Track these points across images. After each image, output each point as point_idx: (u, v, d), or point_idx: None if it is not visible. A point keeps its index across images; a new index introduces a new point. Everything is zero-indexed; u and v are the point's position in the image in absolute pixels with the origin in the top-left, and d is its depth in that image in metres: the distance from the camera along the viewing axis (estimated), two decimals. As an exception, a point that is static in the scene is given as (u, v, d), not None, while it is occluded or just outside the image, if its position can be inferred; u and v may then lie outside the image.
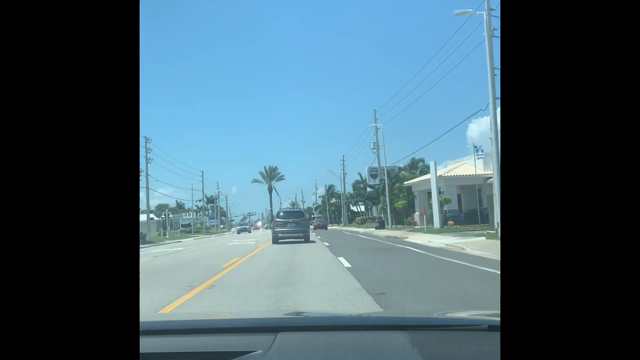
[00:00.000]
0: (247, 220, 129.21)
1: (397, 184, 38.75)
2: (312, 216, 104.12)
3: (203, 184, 64.01)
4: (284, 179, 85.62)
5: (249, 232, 53.20)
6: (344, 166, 61.76)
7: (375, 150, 39.90)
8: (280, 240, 20.01)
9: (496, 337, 1.08)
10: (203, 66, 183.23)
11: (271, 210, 73.68)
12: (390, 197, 36.34)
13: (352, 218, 66.97)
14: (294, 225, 20.31)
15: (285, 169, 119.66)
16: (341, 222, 79.37)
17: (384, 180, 37.77)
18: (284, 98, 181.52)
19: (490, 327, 1.29)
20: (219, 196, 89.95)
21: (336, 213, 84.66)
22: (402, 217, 38.34)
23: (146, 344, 1.04)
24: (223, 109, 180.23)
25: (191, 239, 43.69)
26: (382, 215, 39.68)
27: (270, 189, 80.00)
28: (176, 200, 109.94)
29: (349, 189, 64.03)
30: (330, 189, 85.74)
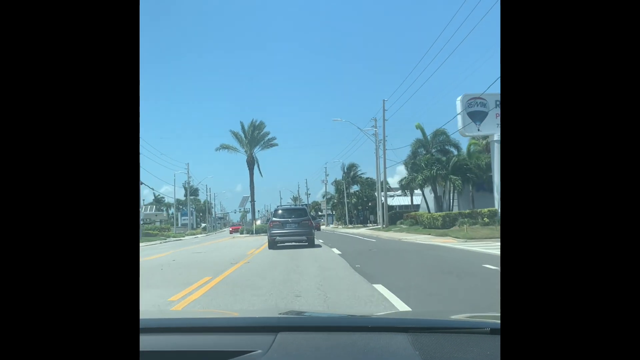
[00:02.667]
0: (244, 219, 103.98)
1: None
2: (320, 213, 76.82)
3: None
4: (275, 144, 42.91)
5: None
6: (384, 120, 33.50)
7: None
8: (278, 245, 15.79)
9: (498, 340, 1.18)
10: None
11: (252, 200, 41.05)
12: None
13: (398, 215, 38.47)
14: (294, 226, 15.95)
15: (277, 131, 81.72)
16: (370, 222, 50.44)
17: None
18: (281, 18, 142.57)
19: (493, 331, 1.29)
20: (189, 183, 62.28)
21: (359, 207, 55.95)
22: None
23: (144, 342, 1.07)
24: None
25: None
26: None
27: (250, 162, 41.11)
28: (154, 194, 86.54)
29: (391, 164, 35.09)
30: (351, 170, 56.53)
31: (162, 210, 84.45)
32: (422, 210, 36.97)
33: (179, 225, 75.43)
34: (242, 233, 39.20)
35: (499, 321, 1.30)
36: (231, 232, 49.98)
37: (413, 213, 35.66)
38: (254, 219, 41.59)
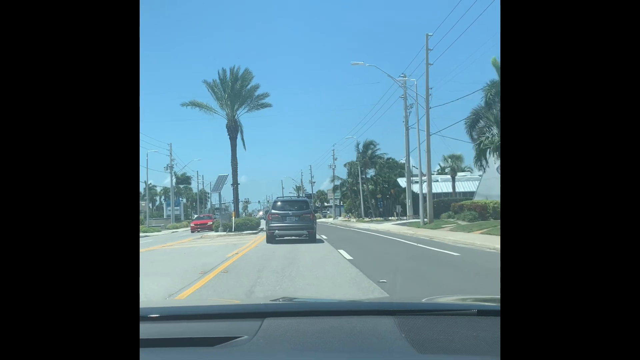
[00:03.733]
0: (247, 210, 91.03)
1: None
2: (327, 204, 66.11)
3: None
4: (268, 105, 29.60)
5: None
6: (427, 63, 22.73)
7: None
8: (277, 239, 14.98)
9: (485, 321, 1.23)
10: None
11: (234, 182, 27.99)
12: None
13: (442, 205, 27.34)
14: (295, 220, 15.12)
15: (271, 87, 66.22)
16: (395, 215, 39.09)
17: None
18: None
19: (480, 312, 1.30)
20: (172, 166, 51.67)
21: (378, 196, 44.81)
22: None
23: None
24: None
25: None
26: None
27: (232, 128, 28.12)
28: (145, 182, 76.44)
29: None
30: (368, 149, 45.05)
31: (148, 200, 74.45)
32: (479, 197, 25.82)
33: (164, 216, 65.45)
34: (216, 230, 25.89)
35: (485, 303, 1.41)
36: (193, 231, 32.10)
37: (469, 202, 24.55)
38: (235, 209, 28.80)
